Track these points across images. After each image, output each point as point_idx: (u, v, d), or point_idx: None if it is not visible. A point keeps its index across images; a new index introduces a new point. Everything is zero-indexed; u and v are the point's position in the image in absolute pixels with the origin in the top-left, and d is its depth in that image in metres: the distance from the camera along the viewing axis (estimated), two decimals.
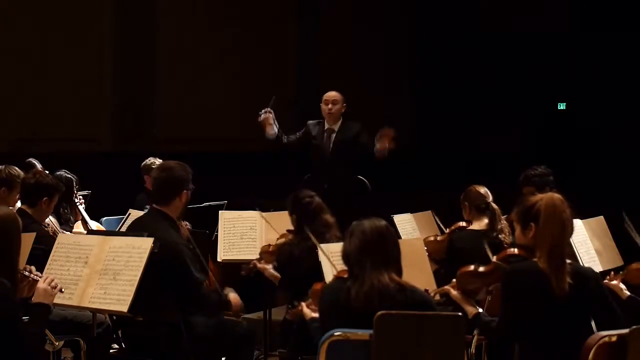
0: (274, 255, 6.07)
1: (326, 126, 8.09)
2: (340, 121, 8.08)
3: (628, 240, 6.00)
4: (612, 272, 5.55)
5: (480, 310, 4.55)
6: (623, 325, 4.06)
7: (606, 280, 5.45)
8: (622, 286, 5.38)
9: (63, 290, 4.37)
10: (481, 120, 13.12)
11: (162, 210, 5.41)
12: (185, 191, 5.43)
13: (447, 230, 6.44)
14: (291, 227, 6.07)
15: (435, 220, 6.99)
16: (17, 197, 6.24)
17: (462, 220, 6.23)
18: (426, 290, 4.55)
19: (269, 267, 6.10)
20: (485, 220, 6.02)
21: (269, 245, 6.21)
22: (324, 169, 7.90)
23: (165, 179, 5.44)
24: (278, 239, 6.16)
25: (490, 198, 6.07)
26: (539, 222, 4.29)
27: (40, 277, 4.27)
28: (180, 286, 5.21)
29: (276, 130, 7.98)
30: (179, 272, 5.20)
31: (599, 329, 4.21)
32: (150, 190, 7.66)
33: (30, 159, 7.38)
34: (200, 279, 5.36)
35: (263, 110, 7.95)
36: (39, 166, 7.17)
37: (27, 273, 4.25)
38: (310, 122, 8.18)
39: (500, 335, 4.43)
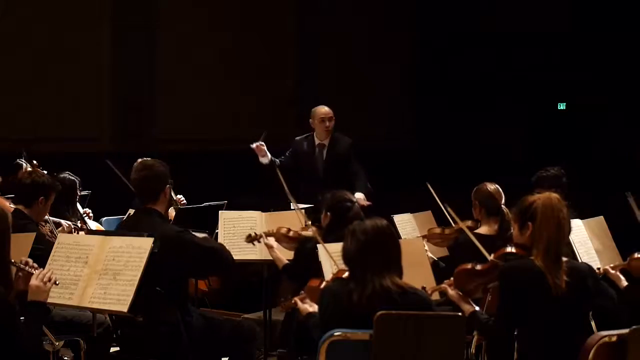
0: (291, 241, 6.03)
1: (317, 141, 8.14)
2: (329, 136, 8.14)
3: (628, 235, 6.03)
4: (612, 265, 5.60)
5: (477, 308, 4.55)
6: (620, 308, 4.08)
7: (607, 268, 5.50)
8: (621, 276, 5.45)
9: (58, 282, 4.33)
10: (481, 120, 13.12)
11: (152, 208, 5.42)
12: (167, 186, 5.47)
13: (455, 227, 6.41)
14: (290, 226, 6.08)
15: (446, 215, 6.92)
16: None
17: (471, 218, 6.19)
18: (423, 288, 4.55)
19: (276, 246, 6.07)
20: (495, 225, 5.95)
21: (289, 229, 6.13)
22: (316, 184, 7.92)
23: (148, 176, 5.43)
24: (303, 229, 6.11)
25: (503, 199, 6.01)
26: (535, 221, 4.31)
27: (35, 269, 4.23)
28: (197, 259, 5.27)
29: (269, 157, 8.14)
30: (192, 253, 5.24)
31: (601, 320, 4.23)
32: None
33: (18, 160, 7.36)
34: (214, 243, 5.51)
35: (254, 145, 8.10)
36: (28, 167, 7.15)
37: (22, 265, 4.23)
38: (297, 138, 8.25)
39: (498, 333, 4.43)
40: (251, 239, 6.21)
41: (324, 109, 8.20)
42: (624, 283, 5.43)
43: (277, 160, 8.21)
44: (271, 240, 6.11)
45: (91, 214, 7.22)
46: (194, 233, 5.47)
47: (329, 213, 5.79)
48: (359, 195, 7.70)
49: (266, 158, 8.15)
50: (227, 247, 6.56)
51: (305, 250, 5.76)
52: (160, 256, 4.97)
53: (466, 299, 4.60)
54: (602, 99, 12.49)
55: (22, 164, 7.27)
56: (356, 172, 8.12)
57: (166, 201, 5.49)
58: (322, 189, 7.74)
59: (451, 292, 4.66)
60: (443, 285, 4.74)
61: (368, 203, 7.79)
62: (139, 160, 6.94)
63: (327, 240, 5.39)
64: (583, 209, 6.43)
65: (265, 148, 8.13)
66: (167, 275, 5.12)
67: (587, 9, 12.72)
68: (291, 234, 6.09)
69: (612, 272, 5.53)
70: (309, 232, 5.93)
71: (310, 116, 8.29)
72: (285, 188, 6.64)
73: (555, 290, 4.18)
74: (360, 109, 12.54)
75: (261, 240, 6.15)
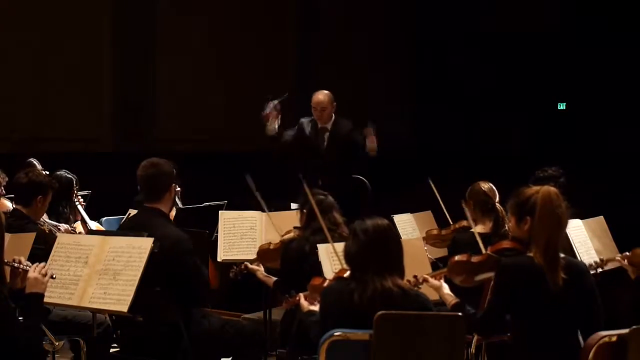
0: (277, 252, 6.01)
1: (319, 125, 8.17)
2: (332, 119, 8.16)
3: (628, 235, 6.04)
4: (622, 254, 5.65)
5: (458, 300, 4.53)
6: (602, 327, 4.07)
7: (618, 258, 5.53)
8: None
9: (54, 276, 4.32)
10: (481, 120, 13.12)
11: (155, 208, 5.42)
12: (173, 184, 5.47)
13: (452, 227, 6.42)
14: (290, 226, 6.08)
15: (445, 213, 6.92)
16: None
17: (466, 218, 6.20)
18: (415, 276, 4.53)
19: (261, 269, 6.10)
20: (489, 223, 5.98)
21: (269, 243, 6.15)
22: (318, 167, 7.97)
23: (155, 174, 5.46)
24: (283, 235, 6.12)
25: (497, 197, 6.03)
26: (534, 216, 4.27)
27: (30, 266, 4.23)
28: (188, 281, 5.26)
29: (276, 127, 8.09)
30: (188, 267, 5.26)
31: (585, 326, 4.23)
32: None
33: (31, 159, 7.39)
34: (206, 274, 5.51)
35: (271, 105, 8.03)
36: (38, 166, 7.17)
37: (16, 264, 4.23)
38: (303, 119, 8.27)
39: (483, 326, 4.41)
40: (235, 273, 6.25)
41: (316, 98, 8.22)
42: (634, 274, 5.47)
43: (283, 134, 8.19)
44: (253, 266, 6.14)
45: (83, 202, 7.19)
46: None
47: (304, 210, 5.80)
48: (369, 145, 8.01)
49: (273, 126, 8.10)
50: (226, 248, 6.61)
51: (289, 253, 5.75)
52: (162, 256, 4.98)
53: (447, 290, 4.58)
54: (602, 98, 12.49)
55: (35, 164, 7.29)
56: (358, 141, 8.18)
57: (171, 200, 5.51)
58: (323, 172, 7.83)
59: (433, 281, 4.62)
60: (426, 275, 4.69)
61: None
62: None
63: (306, 236, 5.52)
64: (583, 209, 6.43)
65: (278, 114, 8.08)
66: (166, 276, 5.13)
67: (588, 9, 12.71)
68: (272, 246, 6.08)
69: (624, 262, 5.56)
70: (290, 235, 5.96)
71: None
72: (256, 195, 6.63)
73: (553, 287, 4.18)
74: (360, 108, 12.52)
75: (248, 267, 6.17)
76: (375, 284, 4.14)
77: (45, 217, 6.48)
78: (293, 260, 5.66)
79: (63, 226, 6.54)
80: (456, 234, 6.21)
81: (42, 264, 4.22)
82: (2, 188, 6.51)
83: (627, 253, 5.69)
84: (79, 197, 7.11)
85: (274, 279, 5.99)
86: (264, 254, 6.14)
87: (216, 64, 11.44)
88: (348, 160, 8.21)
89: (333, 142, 8.14)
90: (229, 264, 6.64)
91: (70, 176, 7.05)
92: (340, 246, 4.84)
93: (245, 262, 6.19)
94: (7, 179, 6.31)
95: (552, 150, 11.79)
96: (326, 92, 8.25)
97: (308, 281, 4.89)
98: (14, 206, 6.12)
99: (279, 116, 8.11)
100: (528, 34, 12.87)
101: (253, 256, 6.42)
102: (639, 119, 11.91)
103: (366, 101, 12.79)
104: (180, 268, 5.21)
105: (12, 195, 6.37)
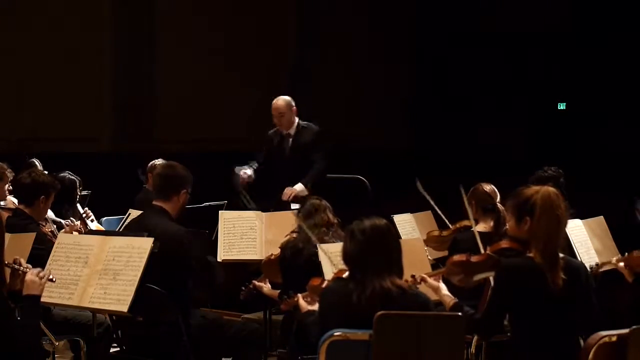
0: (278, 259, 6.03)
1: (283, 132, 8.05)
2: (294, 125, 8.04)
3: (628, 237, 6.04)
4: (618, 257, 5.63)
5: (457, 300, 4.52)
6: (599, 328, 4.06)
7: (614, 261, 5.51)
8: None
9: (54, 279, 4.32)
10: (481, 120, 13.12)
11: (161, 207, 5.46)
12: (184, 191, 5.49)
13: (452, 227, 6.42)
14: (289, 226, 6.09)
15: (440, 215, 6.94)
16: (6, 188, 6.30)
17: (467, 218, 6.20)
18: (412, 276, 4.52)
19: (267, 286, 6.15)
20: (491, 222, 6.00)
21: (271, 255, 6.15)
22: (283, 173, 7.84)
23: (168, 175, 5.58)
24: (282, 243, 6.14)
25: (498, 198, 6.05)
26: (534, 216, 4.26)
27: (29, 269, 4.23)
28: (189, 267, 5.32)
29: (250, 173, 7.93)
30: (183, 255, 5.29)
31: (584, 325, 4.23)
32: (149, 189, 7.69)
33: (33, 159, 7.39)
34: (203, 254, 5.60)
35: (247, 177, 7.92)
36: (39, 167, 7.18)
37: (16, 266, 4.23)
38: (270, 132, 8.15)
39: (482, 326, 4.40)
40: (245, 294, 6.32)
41: (274, 103, 8.03)
42: (630, 278, 5.45)
43: (256, 165, 8.02)
44: (260, 283, 6.21)
45: (92, 216, 7.22)
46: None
47: (300, 215, 5.85)
48: (298, 187, 7.64)
49: (249, 172, 7.96)
50: (226, 248, 6.63)
51: (285, 253, 5.79)
52: (161, 252, 4.99)
53: (446, 291, 4.57)
54: (602, 98, 12.50)
55: (36, 164, 7.29)
56: (314, 161, 7.95)
57: (179, 205, 5.52)
58: (287, 179, 7.72)
59: (431, 282, 4.61)
60: (424, 275, 4.68)
61: (305, 194, 7.55)
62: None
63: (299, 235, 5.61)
64: (583, 209, 6.43)
65: (247, 176, 7.93)
66: (166, 273, 5.13)
67: (588, 9, 12.72)
68: (273, 257, 6.08)
69: (620, 264, 5.55)
70: (286, 238, 5.98)
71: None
72: (243, 198, 6.64)
73: (553, 287, 4.18)
74: (360, 108, 12.54)
75: (254, 288, 6.25)
76: (374, 284, 4.13)
77: (51, 214, 6.49)
78: (289, 259, 5.71)
79: (64, 222, 6.54)
80: (457, 234, 6.22)
81: (39, 269, 4.22)
82: (10, 184, 6.54)
83: (623, 256, 5.69)
84: (88, 211, 7.15)
85: (278, 292, 6.02)
86: (268, 267, 6.15)
87: (216, 64, 11.45)
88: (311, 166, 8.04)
89: (296, 149, 8.03)
90: (229, 264, 6.64)
91: (73, 177, 7.06)
92: (336, 246, 4.85)
93: (253, 281, 6.25)
94: (13, 173, 6.35)
95: (552, 150, 11.80)
96: (285, 97, 8.06)
97: (305, 277, 4.90)
98: (17, 206, 6.13)
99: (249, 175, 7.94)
100: (528, 34, 12.88)
101: (253, 256, 6.43)
102: (638, 119, 11.92)
103: (366, 102, 12.80)
104: (177, 258, 5.24)
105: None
